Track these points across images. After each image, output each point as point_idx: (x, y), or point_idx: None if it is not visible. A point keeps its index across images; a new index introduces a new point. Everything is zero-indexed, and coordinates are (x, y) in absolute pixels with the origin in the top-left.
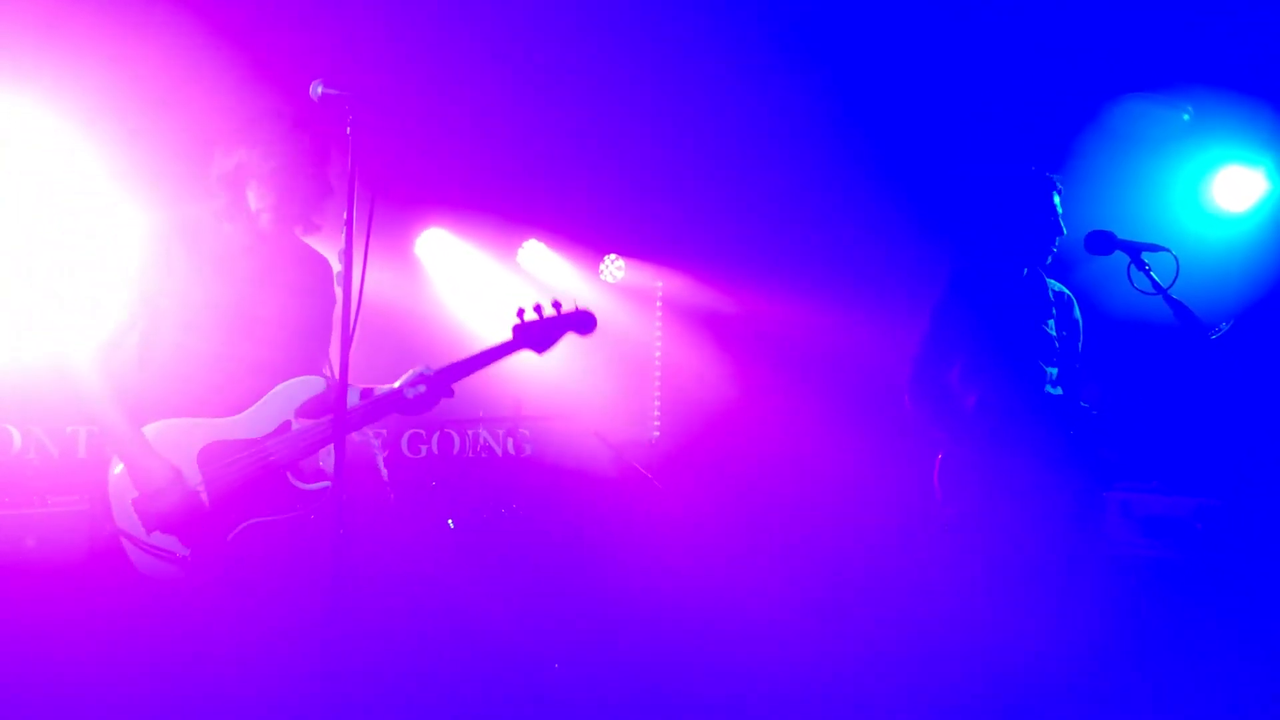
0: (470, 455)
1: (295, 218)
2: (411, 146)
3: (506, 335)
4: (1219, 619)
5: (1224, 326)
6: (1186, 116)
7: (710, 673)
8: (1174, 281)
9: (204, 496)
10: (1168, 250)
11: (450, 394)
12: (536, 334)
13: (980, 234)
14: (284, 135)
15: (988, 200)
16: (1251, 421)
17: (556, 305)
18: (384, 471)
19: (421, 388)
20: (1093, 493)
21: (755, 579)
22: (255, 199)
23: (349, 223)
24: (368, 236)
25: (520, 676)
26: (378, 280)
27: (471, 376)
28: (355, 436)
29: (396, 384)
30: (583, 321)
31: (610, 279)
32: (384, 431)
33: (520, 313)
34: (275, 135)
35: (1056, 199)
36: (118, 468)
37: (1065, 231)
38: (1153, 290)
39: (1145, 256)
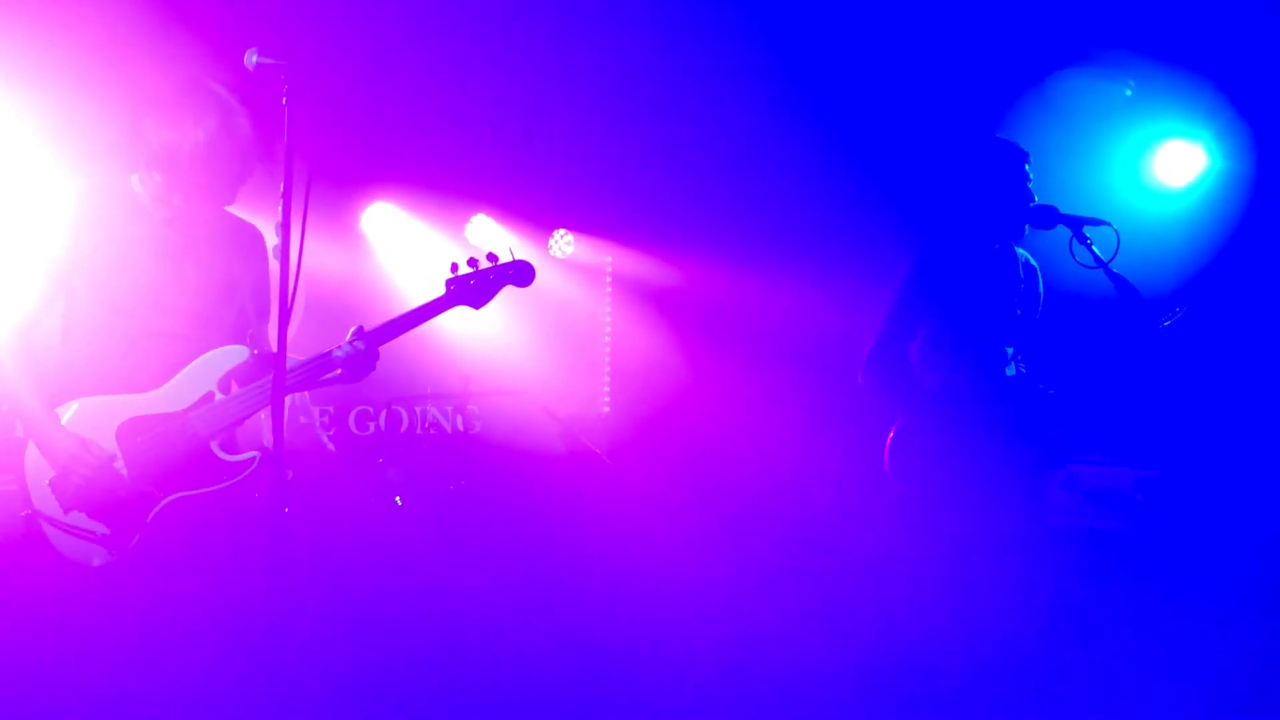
0: (419, 432)
1: (224, 198)
2: (355, 119)
3: (440, 292)
4: (1159, 588)
5: (1178, 312)
6: (1129, 91)
7: (657, 649)
8: (1115, 255)
9: (122, 471)
10: (1109, 224)
11: (375, 355)
12: (471, 288)
13: (950, 208)
14: (215, 116)
15: (958, 173)
16: (1189, 394)
17: (492, 257)
18: (329, 445)
19: (360, 344)
20: (1045, 471)
21: (703, 554)
22: (181, 181)
23: (286, 195)
24: (305, 209)
25: (466, 654)
26: (322, 255)
27: (420, 352)
28: (301, 418)
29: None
30: (520, 272)
31: (559, 254)
32: (330, 409)
33: (454, 267)
34: (205, 116)
35: (1028, 170)
36: (33, 448)
37: (1036, 199)
38: (1094, 264)
39: (1087, 230)
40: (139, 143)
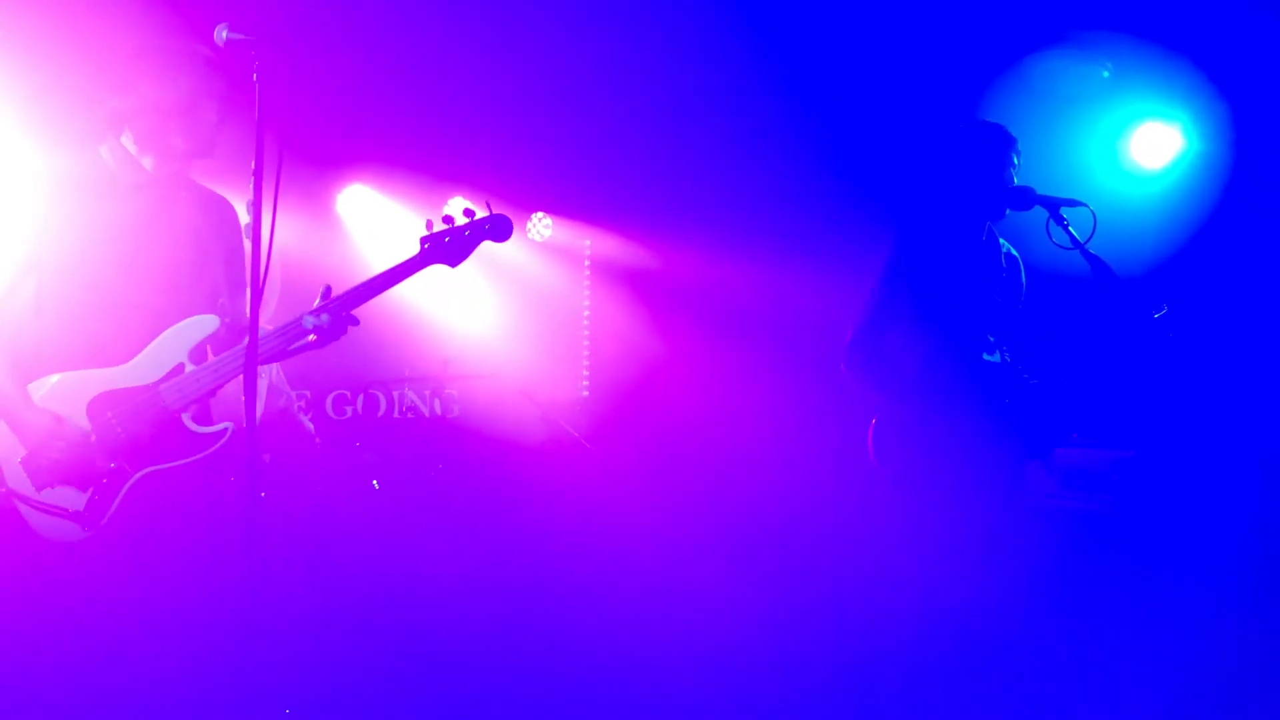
0: (396, 416)
1: (186, 155)
2: (330, 99)
3: (414, 251)
4: (1136, 569)
5: (1164, 309)
6: (1106, 73)
7: (635, 633)
8: (1091, 236)
9: (94, 443)
10: (1086, 205)
11: (355, 321)
12: (447, 245)
13: (930, 193)
14: (196, 70)
15: (938, 157)
16: (1166, 376)
17: (469, 213)
18: (309, 425)
19: (325, 317)
20: (1027, 457)
21: (682, 538)
22: (144, 139)
23: (257, 174)
24: (276, 188)
25: (442, 638)
26: (297, 238)
27: (398, 336)
28: (280, 400)
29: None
30: (498, 227)
31: (537, 237)
32: (307, 393)
33: (429, 225)
34: (188, 69)
35: (1015, 158)
36: (3, 426)
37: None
38: (1071, 245)
39: (1064, 211)
40: (116, 102)
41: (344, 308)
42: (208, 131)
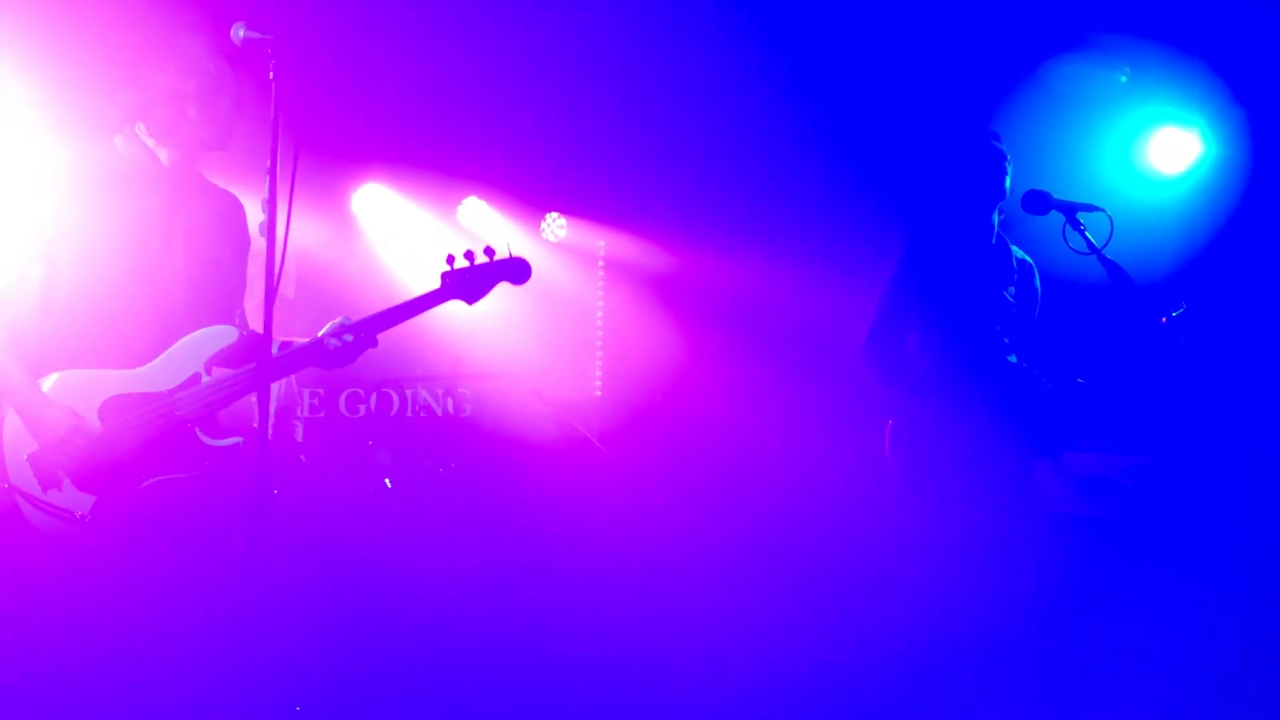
0: (409, 415)
1: (202, 146)
2: (346, 99)
3: (435, 284)
4: (1150, 576)
5: (1181, 307)
6: (1124, 78)
7: (646, 634)
8: (1108, 241)
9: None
10: (1103, 210)
11: (374, 344)
12: (467, 282)
13: (941, 196)
14: (212, 61)
15: (948, 163)
16: (1182, 382)
17: (489, 252)
18: (299, 431)
19: (349, 337)
20: (1040, 458)
21: (694, 539)
22: (160, 131)
23: (272, 172)
24: (292, 186)
25: (453, 638)
26: (312, 237)
27: (411, 335)
28: (279, 388)
29: (319, 334)
30: (516, 270)
31: (552, 237)
32: (321, 391)
33: (450, 259)
34: (204, 59)
35: (999, 147)
36: (11, 421)
37: (1007, 194)
38: (1087, 250)
39: (1080, 216)
40: (132, 93)
41: (365, 332)
42: (223, 123)
